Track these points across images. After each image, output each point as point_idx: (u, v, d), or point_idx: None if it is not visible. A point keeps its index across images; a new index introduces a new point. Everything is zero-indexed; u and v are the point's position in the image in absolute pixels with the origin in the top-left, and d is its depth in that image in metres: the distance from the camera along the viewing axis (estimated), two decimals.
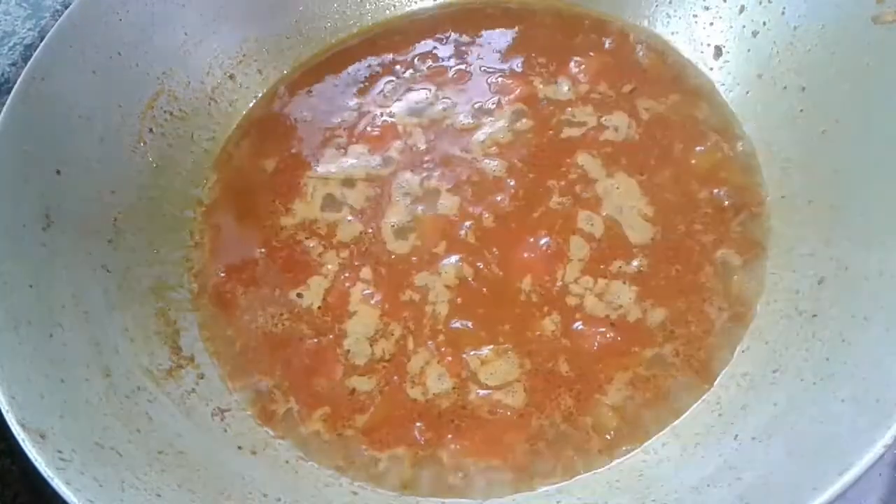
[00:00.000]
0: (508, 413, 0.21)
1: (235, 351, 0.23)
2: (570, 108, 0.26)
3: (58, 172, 0.23)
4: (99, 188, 0.24)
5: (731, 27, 0.27)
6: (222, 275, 0.25)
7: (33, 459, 0.18)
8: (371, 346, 0.23)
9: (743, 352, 0.22)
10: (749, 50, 0.26)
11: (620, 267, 0.23)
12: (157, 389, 0.22)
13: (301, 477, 0.21)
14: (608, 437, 0.21)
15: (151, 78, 0.27)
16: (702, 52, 0.27)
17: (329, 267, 0.24)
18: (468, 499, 0.21)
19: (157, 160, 0.27)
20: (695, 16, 0.28)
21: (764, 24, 0.26)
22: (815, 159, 0.23)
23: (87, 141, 0.24)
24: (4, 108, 0.22)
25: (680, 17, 0.28)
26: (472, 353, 0.22)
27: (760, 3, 0.26)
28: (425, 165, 0.26)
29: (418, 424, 0.21)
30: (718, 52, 0.27)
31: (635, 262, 0.23)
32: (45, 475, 0.18)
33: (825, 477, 0.16)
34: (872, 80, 0.22)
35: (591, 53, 0.27)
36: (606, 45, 0.28)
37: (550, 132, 0.26)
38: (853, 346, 0.19)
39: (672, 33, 0.28)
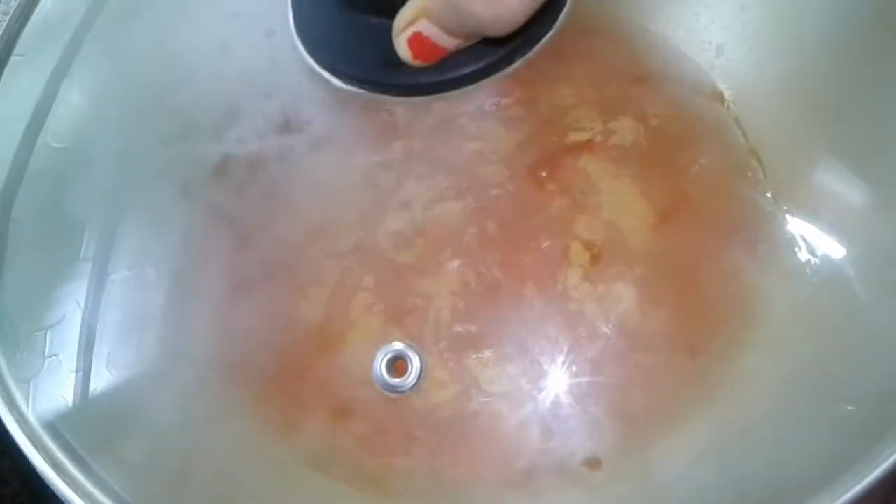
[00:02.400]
0: (510, 421, 0.21)
1: (234, 357, 0.23)
2: (571, 111, 0.26)
3: None
4: None
5: (733, 25, 0.26)
6: (221, 282, 0.24)
7: (32, 459, 0.18)
8: (371, 353, 0.22)
9: (750, 359, 0.21)
10: (751, 48, 0.26)
11: (621, 272, 0.23)
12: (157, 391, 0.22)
13: (301, 482, 0.21)
14: (608, 440, 0.20)
15: None
16: (703, 51, 0.27)
17: (329, 275, 0.24)
18: None
19: None
20: (696, 13, 0.27)
21: (766, 21, 0.25)
22: (821, 161, 0.23)
23: None
24: None
25: (681, 15, 0.28)
26: (474, 358, 0.22)
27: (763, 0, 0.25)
28: (426, 171, 0.25)
29: (418, 433, 0.21)
30: (720, 50, 0.26)
31: (636, 268, 0.23)
32: (43, 475, 0.18)
33: (826, 477, 0.17)
34: (879, 80, 0.22)
35: (593, 55, 0.27)
36: (608, 46, 0.27)
37: (552, 136, 0.25)
38: (855, 344, 0.19)
39: (673, 31, 0.27)
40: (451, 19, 0.21)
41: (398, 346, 0.21)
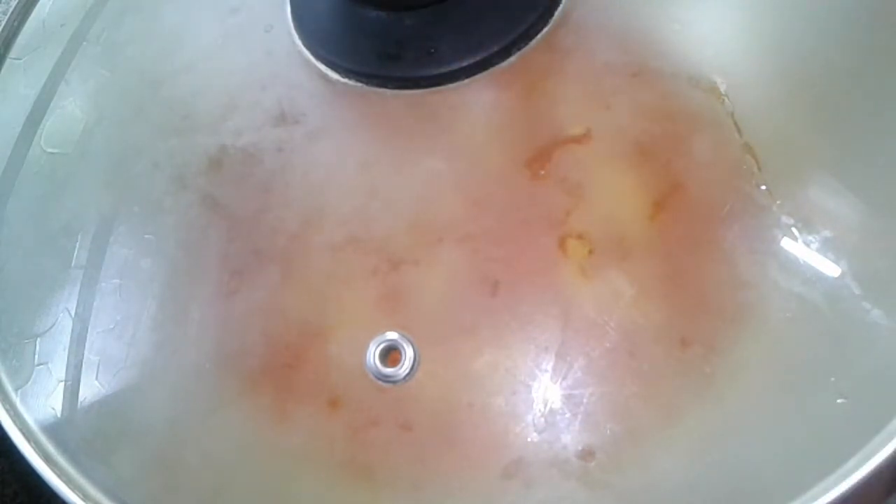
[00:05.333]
0: (502, 412, 0.21)
1: (229, 346, 0.23)
2: (567, 105, 0.26)
3: None
4: None
5: (733, 22, 0.26)
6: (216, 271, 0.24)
7: (31, 459, 0.18)
8: (364, 349, 0.22)
9: (744, 351, 0.21)
10: (751, 46, 0.26)
11: (616, 263, 0.22)
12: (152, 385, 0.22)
13: (292, 472, 0.21)
14: (601, 431, 0.20)
15: None
16: (699, 46, 0.27)
17: (324, 265, 0.24)
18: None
19: None
20: (693, 9, 0.27)
21: (766, 17, 0.25)
22: (814, 154, 0.23)
23: None
24: None
25: (678, 11, 0.28)
26: (467, 349, 0.22)
27: None
28: (421, 164, 0.25)
29: (408, 433, 0.21)
30: (716, 45, 0.26)
31: (631, 259, 0.22)
32: (43, 475, 0.18)
33: (825, 477, 0.16)
34: (881, 78, 0.22)
35: (589, 49, 0.27)
36: (603, 41, 0.27)
37: (548, 129, 0.25)
38: (849, 337, 0.19)
39: (669, 26, 0.27)
40: None
41: (392, 335, 0.21)
